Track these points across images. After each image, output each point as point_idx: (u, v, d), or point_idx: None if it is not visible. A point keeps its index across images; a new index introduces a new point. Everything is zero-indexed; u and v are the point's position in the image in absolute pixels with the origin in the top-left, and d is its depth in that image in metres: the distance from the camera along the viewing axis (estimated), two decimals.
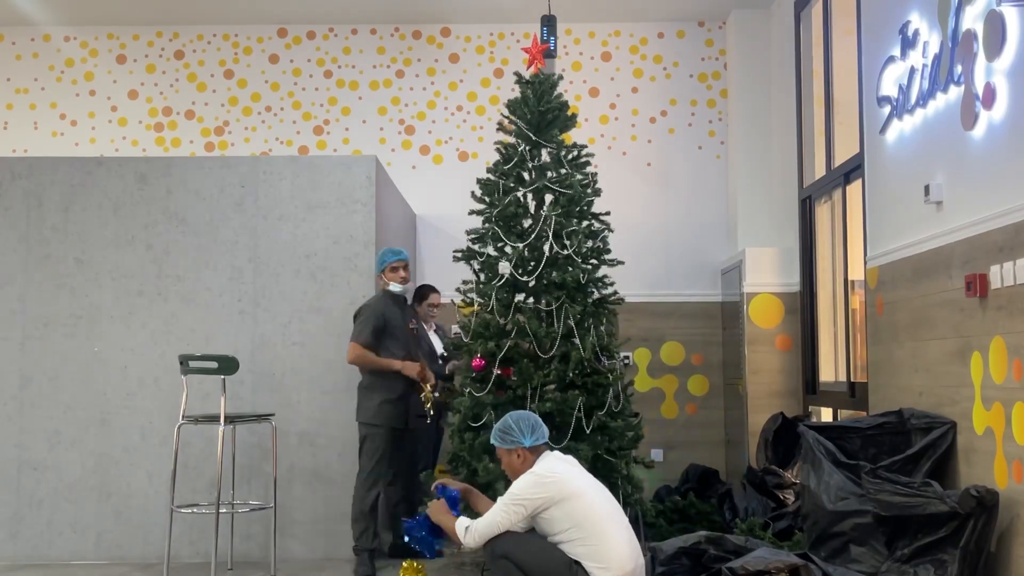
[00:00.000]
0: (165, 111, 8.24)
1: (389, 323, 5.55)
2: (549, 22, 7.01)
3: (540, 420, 4.35)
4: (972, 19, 4.31)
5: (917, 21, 4.90)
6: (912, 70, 4.93)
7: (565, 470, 4.18)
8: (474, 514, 4.49)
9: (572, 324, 5.49)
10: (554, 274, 5.55)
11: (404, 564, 5.17)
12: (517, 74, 5.91)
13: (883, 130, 5.32)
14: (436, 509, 4.42)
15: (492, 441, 4.36)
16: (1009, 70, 4.03)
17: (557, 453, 4.35)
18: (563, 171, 5.76)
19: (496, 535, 4.12)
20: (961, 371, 4.41)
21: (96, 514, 5.98)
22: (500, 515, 4.11)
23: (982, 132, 4.25)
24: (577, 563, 3.99)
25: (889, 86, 5.23)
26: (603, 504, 4.14)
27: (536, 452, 4.26)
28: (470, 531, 4.18)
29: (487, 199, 5.77)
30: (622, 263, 5.88)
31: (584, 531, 4.02)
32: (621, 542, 4.04)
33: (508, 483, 4.36)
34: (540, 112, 5.77)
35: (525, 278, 5.62)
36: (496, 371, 5.46)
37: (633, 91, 8.17)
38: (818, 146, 6.99)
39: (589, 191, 5.78)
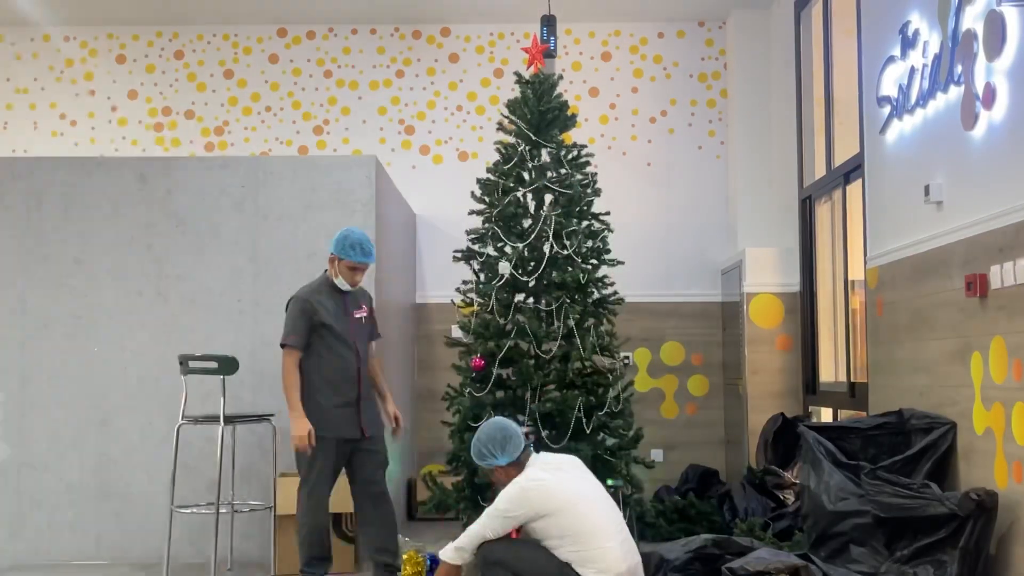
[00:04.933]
0: (165, 111, 8.24)
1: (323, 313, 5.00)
2: (549, 22, 7.01)
3: (511, 429, 4.27)
4: (972, 19, 4.30)
5: (917, 21, 4.90)
6: (912, 70, 4.92)
7: (553, 478, 4.14)
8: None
9: (572, 324, 5.50)
10: (554, 274, 5.56)
11: (404, 557, 5.19)
12: (517, 74, 5.91)
13: (883, 130, 5.31)
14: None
15: (473, 459, 4.35)
16: (1009, 70, 4.02)
17: (544, 456, 4.33)
18: (563, 171, 5.76)
19: (488, 542, 4.11)
20: (961, 371, 4.41)
21: (96, 514, 5.97)
22: (487, 529, 4.10)
23: (982, 132, 4.25)
24: (570, 566, 3.99)
25: (889, 86, 5.23)
26: (593, 508, 4.11)
27: (519, 465, 4.23)
28: (459, 550, 4.11)
29: (487, 199, 5.77)
30: (622, 263, 5.87)
31: (575, 538, 4.00)
32: (613, 543, 4.03)
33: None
34: (540, 112, 5.77)
35: (525, 278, 5.62)
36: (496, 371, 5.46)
37: (633, 91, 8.17)
38: (818, 146, 6.99)
39: (589, 191, 5.78)
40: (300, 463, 5.00)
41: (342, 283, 5.06)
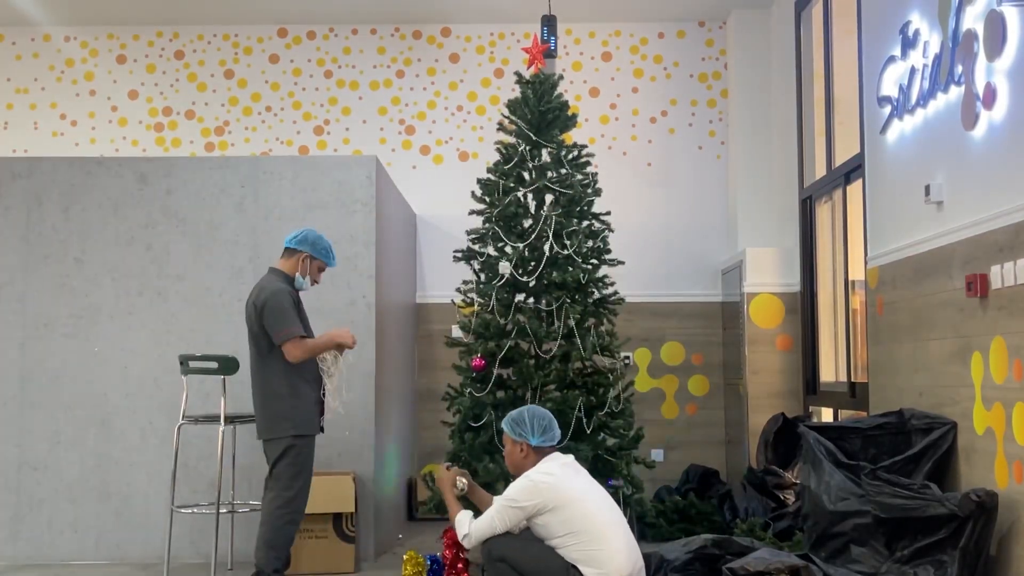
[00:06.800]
0: (165, 111, 8.24)
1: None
2: (549, 22, 7.01)
3: (555, 423, 4.32)
4: (972, 19, 4.30)
5: (917, 21, 4.90)
6: (912, 70, 4.92)
7: (563, 475, 4.16)
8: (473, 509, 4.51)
9: (572, 324, 5.50)
10: (554, 274, 5.56)
11: (405, 557, 5.20)
12: (517, 74, 5.91)
13: (883, 130, 5.31)
14: (442, 479, 4.45)
15: (503, 425, 4.36)
16: (1009, 70, 4.02)
17: (558, 455, 4.34)
18: (563, 171, 5.76)
19: (494, 537, 4.12)
20: (961, 371, 4.41)
21: (96, 514, 5.97)
22: (496, 520, 4.13)
23: (982, 132, 4.25)
24: (574, 567, 3.99)
25: (889, 86, 5.23)
26: (600, 508, 4.13)
27: (541, 453, 4.25)
28: (468, 538, 4.19)
29: (487, 199, 5.78)
30: (622, 263, 5.88)
31: (580, 536, 4.01)
32: (619, 546, 4.03)
33: (508, 481, 4.36)
34: (540, 112, 5.77)
35: (525, 278, 5.62)
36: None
37: (633, 91, 8.17)
38: (818, 146, 6.99)
39: (589, 191, 5.79)
40: (288, 463, 4.87)
41: (306, 283, 5.06)
